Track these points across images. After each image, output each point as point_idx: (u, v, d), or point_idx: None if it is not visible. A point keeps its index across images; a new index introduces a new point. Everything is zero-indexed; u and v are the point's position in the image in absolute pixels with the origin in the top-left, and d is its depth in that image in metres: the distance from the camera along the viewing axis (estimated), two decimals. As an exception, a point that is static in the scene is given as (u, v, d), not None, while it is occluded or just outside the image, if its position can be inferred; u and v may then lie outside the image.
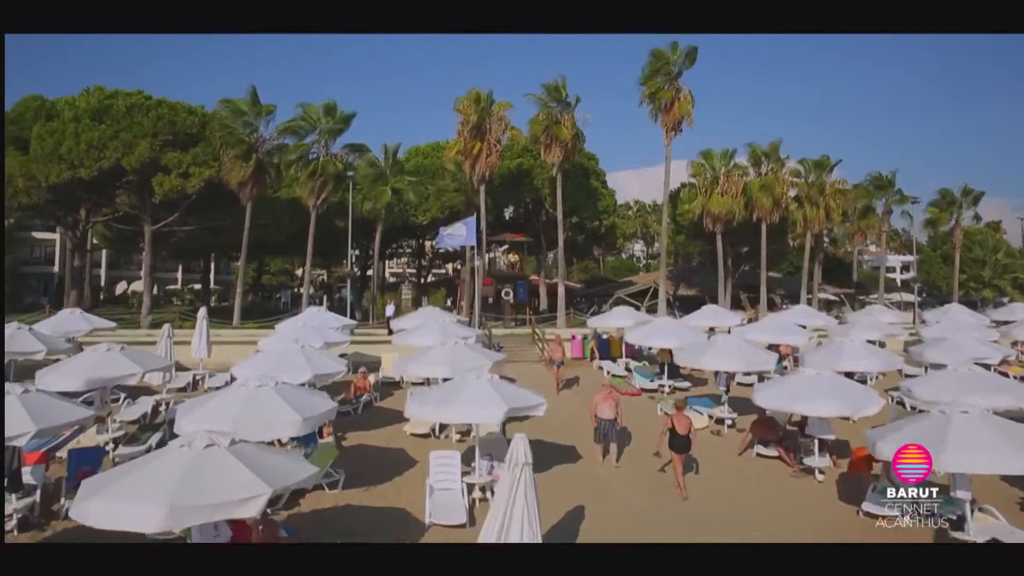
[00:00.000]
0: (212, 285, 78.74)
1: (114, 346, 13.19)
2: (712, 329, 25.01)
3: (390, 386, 20.72)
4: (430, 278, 63.25)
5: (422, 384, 17.66)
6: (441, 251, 45.61)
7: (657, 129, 36.17)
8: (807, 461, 13.14)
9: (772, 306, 44.00)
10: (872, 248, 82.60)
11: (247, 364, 13.63)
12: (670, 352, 20.85)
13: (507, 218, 47.74)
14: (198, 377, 20.41)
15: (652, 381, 21.13)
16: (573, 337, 26.16)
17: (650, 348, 21.07)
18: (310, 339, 16.82)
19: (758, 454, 14.40)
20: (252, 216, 32.98)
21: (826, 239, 60.03)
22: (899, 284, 74.54)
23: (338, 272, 34.04)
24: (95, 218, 39.24)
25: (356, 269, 59.86)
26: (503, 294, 34.60)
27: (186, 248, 41.26)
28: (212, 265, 73.35)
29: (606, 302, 50.58)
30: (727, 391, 16.96)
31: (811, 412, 12.40)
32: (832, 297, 46.95)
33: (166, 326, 16.97)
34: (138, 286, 68.48)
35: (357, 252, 56.45)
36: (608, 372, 23.06)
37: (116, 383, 12.57)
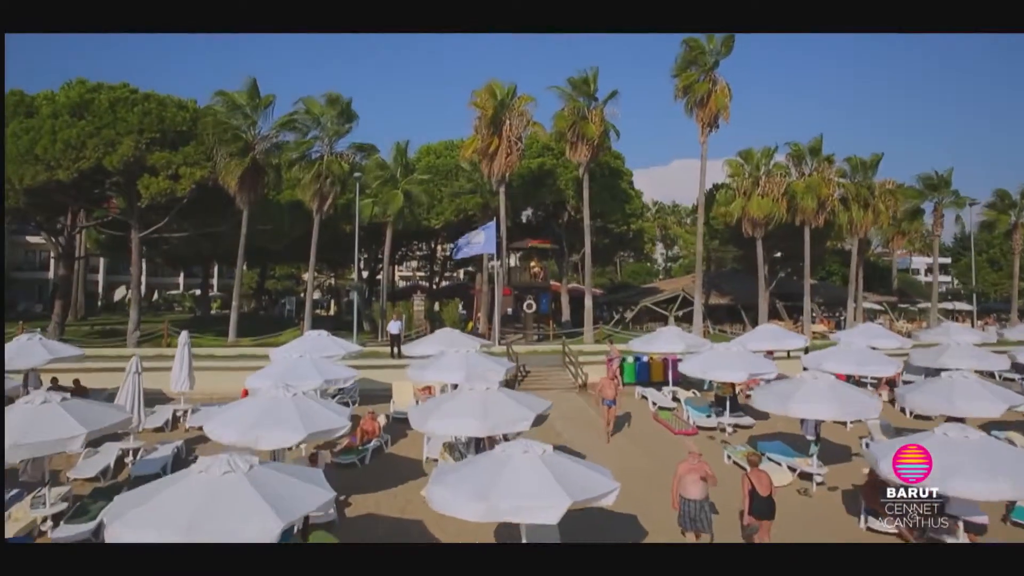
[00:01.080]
0: (214, 291, 76.30)
1: (52, 396, 10.19)
2: (770, 353, 21.89)
3: (403, 423, 17.68)
4: (442, 283, 60.29)
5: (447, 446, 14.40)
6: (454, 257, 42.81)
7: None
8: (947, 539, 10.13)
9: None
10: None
11: (223, 419, 10.64)
12: (733, 386, 17.80)
13: (524, 221, 44.69)
14: (179, 413, 17.48)
15: (708, 416, 18.04)
16: (610, 360, 23.08)
17: (712, 382, 17.96)
18: (305, 378, 13.82)
19: (869, 528, 11.33)
20: (251, 221, 30.11)
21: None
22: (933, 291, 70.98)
23: (343, 282, 30.71)
24: (82, 223, 36.59)
25: (364, 274, 57.04)
26: (525, 306, 31.52)
27: (181, 255, 38.46)
28: (215, 269, 71.00)
29: (629, 310, 47.55)
30: (816, 440, 13.84)
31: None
32: (876, 306, 43.58)
33: (133, 360, 14.01)
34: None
35: (365, 256, 53.61)
36: (654, 403, 19.96)
37: (49, 451, 9.55)
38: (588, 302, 32.16)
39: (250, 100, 27.97)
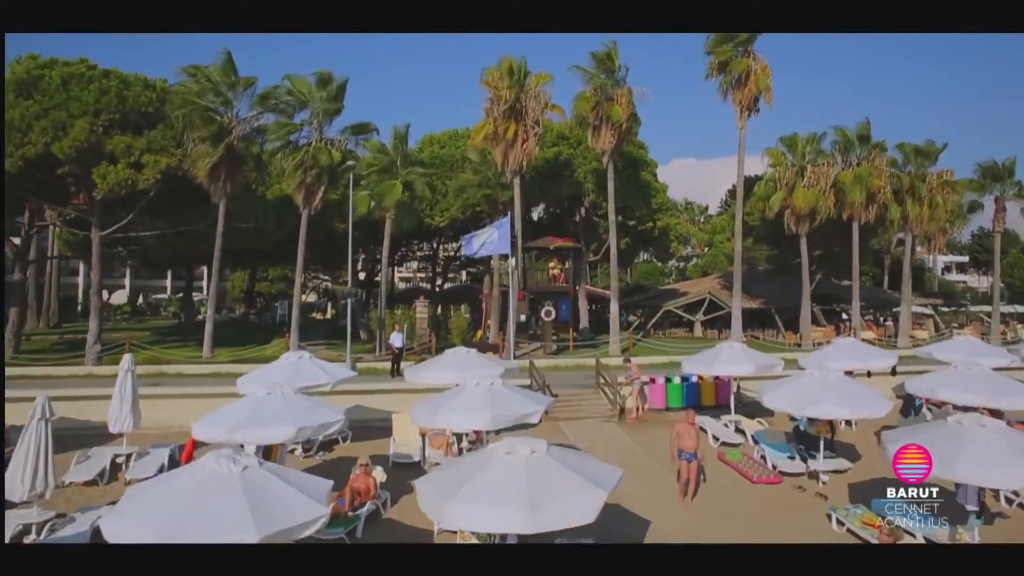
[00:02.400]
0: (205, 294, 72.43)
1: None
2: (850, 373, 18.07)
3: (406, 470, 13.88)
4: (445, 286, 56.36)
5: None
6: (461, 258, 38.92)
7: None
8: None
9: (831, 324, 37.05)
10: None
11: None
12: (830, 424, 14.05)
13: (535, 219, 40.94)
14: (119, 459, 13.68)
15: (792, 458, 14.28)
16: (652, 381, 19.31)
17: (808, 420, 14.08)
18: (270, 425, 10.06)
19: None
20: (232, 218, 26.36)
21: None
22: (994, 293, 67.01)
23: (338, 287, 26.75)
24: (44, 222, 32.84)
25: (361, 276, 53.24)
26: (543, 312, 27.71)
27: (156, 257, 34.54)
28: (204, 271, 66.98)
29: (648, 313, 43.74)
30: (979, 512, 10.04)
31: (986, 482, 9.13)
32: (924, 310, 39.79)
33: (39, 401, 10.22)
34: (119, 296, 62.21)
35: (363, 256, 49.76)
36: (715, 438, 16.18)
37: None
38: (614, 308, 28.37)
39: (225, 77, 24.17)
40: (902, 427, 13.61)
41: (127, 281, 65.03)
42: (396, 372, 21.71)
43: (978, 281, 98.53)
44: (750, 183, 37.79)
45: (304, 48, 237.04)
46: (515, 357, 25.39)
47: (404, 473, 13.77)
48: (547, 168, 32.61)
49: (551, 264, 28.37)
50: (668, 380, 19.37)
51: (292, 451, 14.72)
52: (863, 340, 30.92)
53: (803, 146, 30.90)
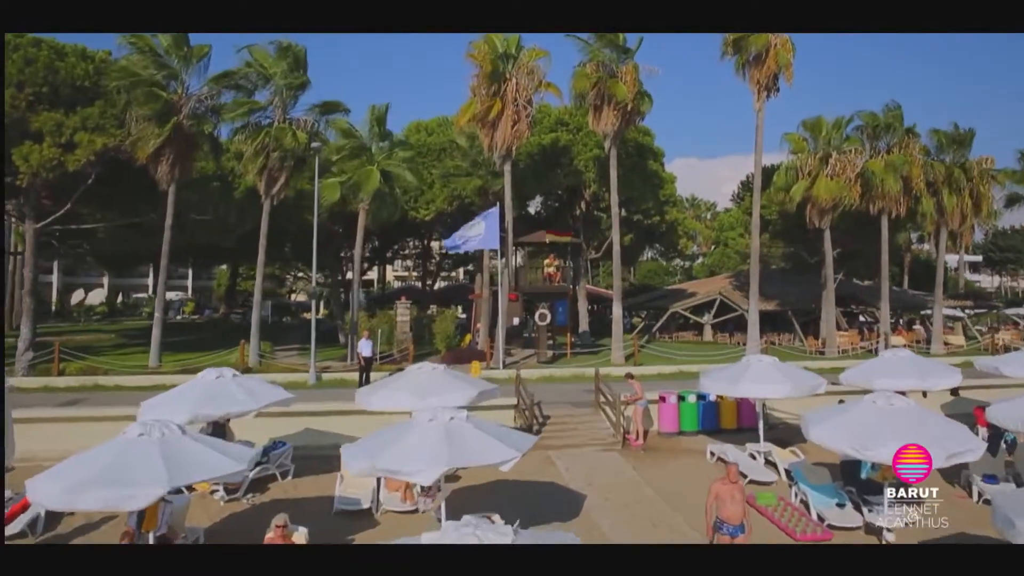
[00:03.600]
0: (189, 292, 69.47)
1: None
2: (903, 394, 15.00)
3: (352, 521, 10.85)
4: (438, 284, 53.36)
5: None
6: (451, 253, 35.82)
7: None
8: None
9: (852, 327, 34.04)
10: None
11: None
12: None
13: (532, 213, 37.86)
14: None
15: (842, 506, 11.26)
16: (663, 399, 16.27)
17: (871, 465, 10.97)
18: (136, 483, 7.08)
19: None
20: (188, 209, 23.45)
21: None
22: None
23: (306, 288, 23.42)
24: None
25: (349, 276, 50.25)
26: (538, 316, 24.64)
27: (109, 253, 31.51)
28: (165, 267, 63.91)
29: (654, 315, 40.66)
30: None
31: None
32: (955, 312, 36.65)
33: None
34: (97, 295, 59.23)
35: (345, 253, 46.68)
36: (741, 472, 13.12)
37: None
38: (617, 311, 25.31)
39: (176, 48, 21.17)
40: (825, 408, 11.42)
41: (105, 280, 62.02)
42: (365, 381, 18.78)
43: (991, 282, 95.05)
44: (765, 174, 34.72)
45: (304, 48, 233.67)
46: (505, 366, 22.42)
47: (350, 524, 10.80)
48: (543, 155, 29.57)
49: (547, 262, 25.30)
50: (681, 399, 16.34)
51: (212, 492, 11.74)
52: (892, 344, 27.99)
53: (828, 131, 27.79)
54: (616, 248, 25.24)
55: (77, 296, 56.80)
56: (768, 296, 36.77)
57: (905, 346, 28.50)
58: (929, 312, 34.15)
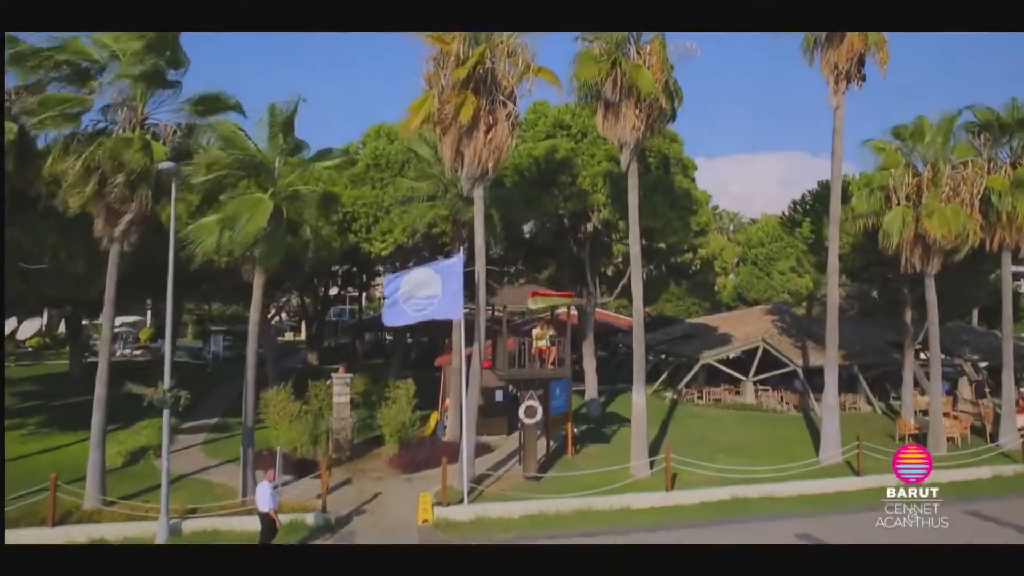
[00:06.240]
0: (148, 317, 61.72)
1: None
2: None
3: None
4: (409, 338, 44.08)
5: None
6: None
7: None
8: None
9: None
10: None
11: None
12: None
13: (525, 236, 30.11)
14: None
15: None
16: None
17: None
18: None
19: None
20: (17, 255, 16.02)
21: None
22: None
23: (153, 395, 15.30)
24: None
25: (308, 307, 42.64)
26: (524, 412, 16.65)
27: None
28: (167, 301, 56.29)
29: (677, 364, 32.78)
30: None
31: None
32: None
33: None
34: (32, 326, 51.89)
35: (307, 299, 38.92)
36: None
37: None
38: (638, 401, 17.47)
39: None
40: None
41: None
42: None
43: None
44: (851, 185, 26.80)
45: (304, 48, 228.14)
46: (471, 494, 14.71)
47: None
48: (536, 170, 21.91)
49: (536, 333, 17.40)
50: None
51: None
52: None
53: (934, 136, 19.90)
54: (637, 308, 17.41)
55: (10, 326, 49.32)
56: (818, 340, 28.92)
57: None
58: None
